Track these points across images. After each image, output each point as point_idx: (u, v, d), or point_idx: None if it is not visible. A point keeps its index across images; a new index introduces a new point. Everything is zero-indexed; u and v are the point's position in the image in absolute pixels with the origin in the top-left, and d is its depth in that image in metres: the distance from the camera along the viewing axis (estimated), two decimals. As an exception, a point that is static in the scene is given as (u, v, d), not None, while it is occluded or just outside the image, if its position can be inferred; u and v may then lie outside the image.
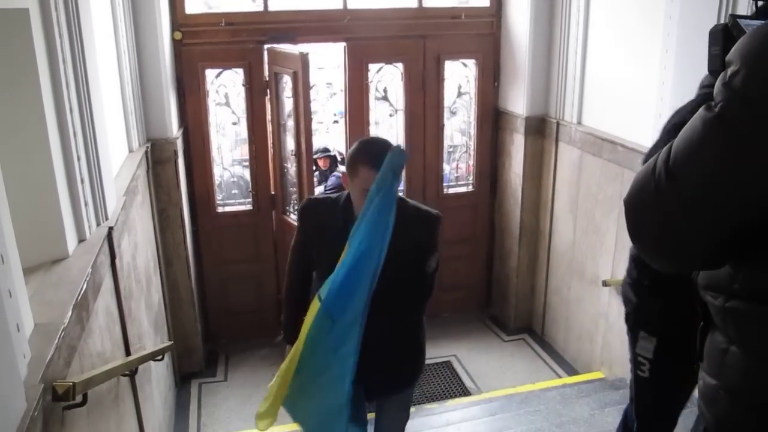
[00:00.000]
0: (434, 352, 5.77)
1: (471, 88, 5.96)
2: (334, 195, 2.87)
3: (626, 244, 4.47)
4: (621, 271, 4.58)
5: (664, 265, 1.29)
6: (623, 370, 4.71)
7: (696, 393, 1.40)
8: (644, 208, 1.21)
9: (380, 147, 2.49)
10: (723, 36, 1.22)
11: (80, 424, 2.09)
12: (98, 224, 2.84)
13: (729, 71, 1.05)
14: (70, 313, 2.05)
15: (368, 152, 2.55)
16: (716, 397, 1.26)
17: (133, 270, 3.52)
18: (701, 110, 1.09)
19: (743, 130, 1.03)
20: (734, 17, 1.21)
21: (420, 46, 5.62)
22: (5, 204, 1.77)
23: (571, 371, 5.44)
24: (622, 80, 4.57)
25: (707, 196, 1.09)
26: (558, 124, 5.29)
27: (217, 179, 5.66)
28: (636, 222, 1.25)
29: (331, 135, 9.30)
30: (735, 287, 1.18)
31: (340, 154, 7.74)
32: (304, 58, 4.64)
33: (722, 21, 2.47)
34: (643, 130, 4.25)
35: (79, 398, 1.90)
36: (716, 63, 1.21)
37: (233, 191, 5.92)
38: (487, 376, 5.02)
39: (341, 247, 2.44)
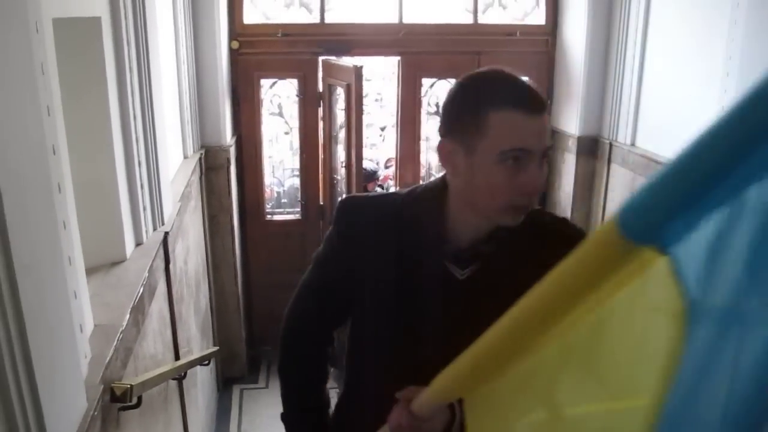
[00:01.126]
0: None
1: (523, 106, 5.92)
2: (389, 194, 1.73)
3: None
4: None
5: None
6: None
7: None
8: None
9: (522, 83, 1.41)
10: None
11: (133, 425, 2.12)
12: (155, 228, 2.89)
13: None
14: (128, 315, 2.09)
15: (511, 84, 1.41)
16: None
17: (184, 275, 3.58)
18: None
19: None
20: None
21: (474, 63, 5.59)
22: (73, 208, 1.81)
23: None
24: (679, 102, 4.48)
25: None
26: (611, 144, 5.21)
27: (267, 187, 5.73)
28: None
29: (376, 150, 9.29)
30: None
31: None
32: (357, 71, 4.68)
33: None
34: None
35: (134, 400, 1.94)
36: None
37: (283, 200, 5.98)
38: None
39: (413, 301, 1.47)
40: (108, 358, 1.82)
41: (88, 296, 1.92)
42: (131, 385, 1.82)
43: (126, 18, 2.56)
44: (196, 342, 3.98)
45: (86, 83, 2.30)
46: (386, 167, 7.16)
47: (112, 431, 1.86)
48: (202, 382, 4.15)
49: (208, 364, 3.67)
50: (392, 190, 5.30)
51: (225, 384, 5.37)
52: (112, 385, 1.79)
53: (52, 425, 1.38)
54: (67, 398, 1.53)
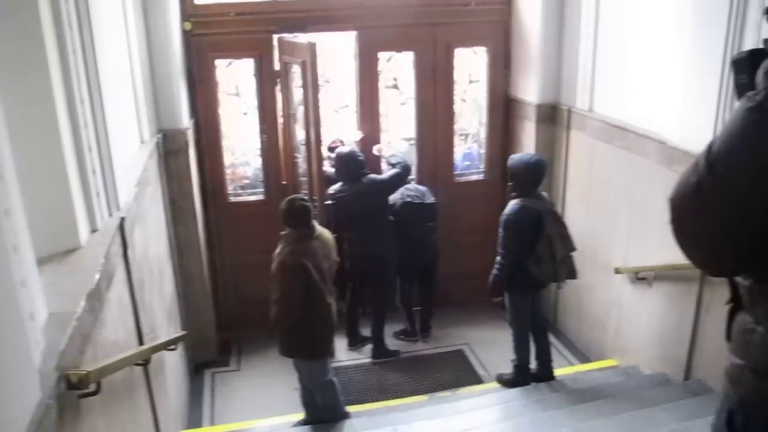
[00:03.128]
0: (446, 341, 5.79)
1: (482, 75, 5.94)
2: None
3: (638, 231, 4.46)
4: (633, 259, 4.59)
5: (706, 263, 1.27)
6: (636, 357, 4.70)
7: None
8: (686, 203, 1.20)
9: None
10: (749, 63, 1.19)
11: (95, 413, 2.10)
12: (110, 214, 2.85)
13: None
14: (83, 302, 2.06)
15: None
16: (741, 377, 1.26)
17: (145, 260, 3.54)
18: (743, 100, 1.08)
19: None
20: None
21: (431, 35, 5.59)
22: (17, 194, 1.77)
23: (584, 359, 5.43)
24: (634, 66, 4.53)
25: (744, 185, 1.08)
26: (569, 111, 5.25)
27: (228, 170, 5.68)
28: (678, 218, 1.24)
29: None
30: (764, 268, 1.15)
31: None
32: (312, 48, 4.64)
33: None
34: (654, 116, 4.22)
35: (93, 387, 1.92)
36: (744, 90, 1.18)
37: (244, 181, 5.94)
38: (499, 365, 5.00)
39: None
40: (63, 346, 1.80)
41: (39, 284, 1.89)
42: (87, 372, 1.81)
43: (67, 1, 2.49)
44: (163, 328, 3.95)
45: (27, 69, 2.24)
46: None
47: (72, 419, 1.85)
48: (171, 367, 4.12)
49: (174, 349, 3.63)
50: None
51: (196, 369, 5.35)
52: (68, 372, 1.77)
53: (3, 415, 1.36)
54: (18, 388, 1.51)
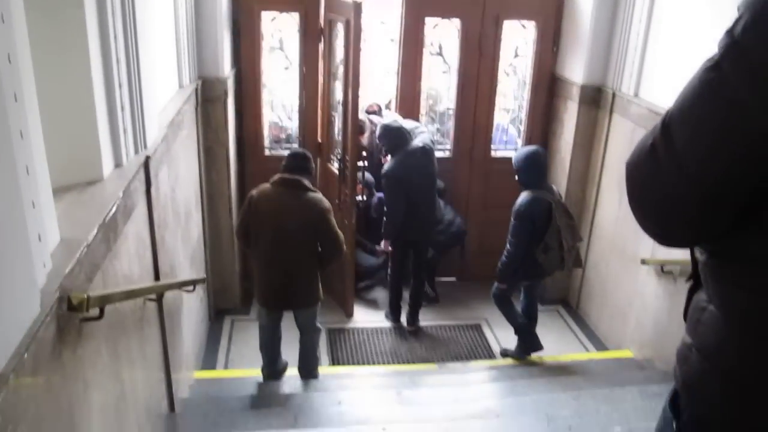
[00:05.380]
0: (465, 315, 5.81)
1: (528, 51, 5.84)
2: None
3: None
4: (661, 252, 4.51)
5: (656, 232, 1.22)
6: (652, 351, 4.65)
7: None
8: (640, 166, 1.16)
9: None
10: None
11: (97, 337, 2.18)
12: (137, 152, 2.91)
13: (735, 20, 1.00)
14: (95, 231, 2.12)
15: None
16: (688, 356, 1.23)
17: (170, 201, 3.61)
18: (704, 61, 1.04)
19: (734, 80, 0.98)
20: None
21: (479, 4, 5.51)
22: (36, 118, 1.83)
23: (601, 347, 5.40)
24: (685, 54, 4.40)
25: (694, 149, 1.04)
26: (614, 95, 5.14)
27: (266, 123, 5.72)
28: (632, 182, 1.20)
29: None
30: (719, 245, 1.14)
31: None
32: (357, 7, 4.61)
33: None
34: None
35: (95, 312, 1.99)
36: None
37: (281, 136, 5.98)
38: (515, 343, 5.01)
39: None
40: (68, 269, 1.86)
41: (52, 207, 1.95)
42: (88, 296, 1.87)
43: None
44: (184, 270, 4.04)
45: (61, -2, 2.28)
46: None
47: (72, 340, 1.92)
48: (189, 309, 4.23)
49: (191, 291, 3.72)
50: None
51: (217, 315, 5.48)
52: (70, 294, 1.84)
53: (1, 325, 1.43)
54: (17, 302, 1.57)
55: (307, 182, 3.93)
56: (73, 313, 1.88)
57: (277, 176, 3.96)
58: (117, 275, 2.45)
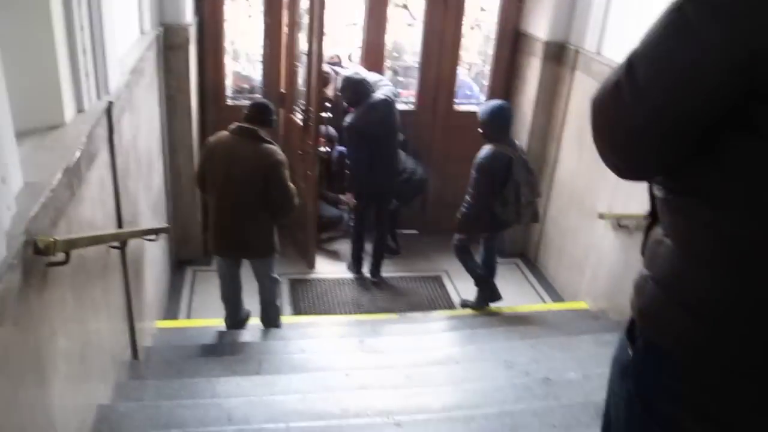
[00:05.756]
0: (426, 266, 5.90)
1: (494, 5, 5.83)
2: None
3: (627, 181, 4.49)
4: (618, 207, 4.63)
5: (618, 166, 1.30)
6: (607, 302, 4.80)
7: None
8: (605, 102, 1.23)
9: None
10: None
11: (64, 285, 2.18)
12: (99, 98, 2.86)
13: None
14: (59, 175, 2.10)
15: None
16: (644, 286, 1.32)
17: (133, 149, 3.57)
18: (668, 5, 1.10)
19: (696, 20, 1.05)
20: None
21: (444, -43, 5.47)
22: (-3, 59, 1.79)
23: (558, 299, 5.55)
24: (646, 12, 4.44)
25: (656, 86, 1.12)
26: (577, 52, 5.19)
27: (228, 73, 5.64)
28: (598, 118, 1.27)
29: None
30: (676, 181, 1.22)
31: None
32: (323, -46, 4.54)
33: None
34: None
35: (61, 256, 1.98)
36: None
37: (244, 86, 5.91)
38: (475, 295, 5.13)
39: None
40: (33, 213, 1.85)
41: (15, 150, 1.92)
42: (55, 240, 1.86)
43: None
44: (146, 219, 4.01)
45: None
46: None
47: (39, 285, 1.92)
48: (151, 259, 4.21)
49: (154, 240, 3.71)
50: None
51: (179, 265, 5.47)
52: (36, 238, 1.83)
53: (-34, 266, 1.42)
54: (-16, 244, 1.56)
55: (263, 133, 3.90)
56: (40, 257, 1.87)
57: (234, 124, 3.93)
58: (81, 221, 2.43)
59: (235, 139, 3.88)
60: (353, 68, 5.56)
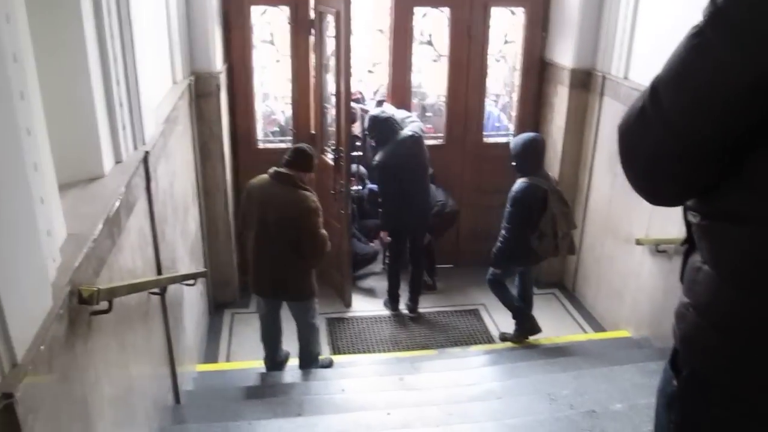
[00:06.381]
0: (462, 300, 5.86)
1: (518, 36, 5.87)
2: None
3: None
4: (656, 231, 4.57)
5: (646, 189, 1.30)
6: (650, 330, 4.71)
7: None
8: (631, 127, 1.24)
9: None
10: None
11: (106, 330, 2.21)
12: (135, 148, 2.94)
13: None
14: (101, 226, 2.15)
15: None
16: (685, 314, 1.30)
17: (169, 197, 3.64)
18: (690, 29, 1.11)
19: (717, 43, 1.06)
20: None
21: (467, -8, 5.54)
22: (40, 115, 1.86)
23: (598, 328, 5.46)
24: (674, 35, 4.42)
25: (679, 108, 1.13)
26: (604, 77, 5.18)
27: (258, 116, 5.74)
28: (625, 144, 1.28)
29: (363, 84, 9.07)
30: (709, 206, 1.22)
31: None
32: (347, -3, 4.63)
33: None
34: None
35: (104, 305, 2.02)
36: None
37: (274, 128, 6.01)
38: (512, 327, 5.07)
39: None
40: (77, 264, 1.90)
41: (59, 203, 1.98)
42: (98, 288, 1.90)
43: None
44: (184, 264, 4.07)
45: (57, -3, 2.31)
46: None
47: (84, 333, 1.96)
48: (190, 303, 4.26)
49: (193, 284, 3.76)
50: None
51: (217, 308, 5.51)
52: (80, 287, 1.87)
53: (14, 318, 1.46)
54: (31, 296, 1.60)
55: (298, 178, 3.95)
56: (84, 306, 1.91)
57: (272, 169, 4.00)
58: (122, 269, 2.48)
59: (271, 183, 3.95)
60: (388, 108, 5.58)
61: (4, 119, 1.52)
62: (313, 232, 3.91)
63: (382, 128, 5.06)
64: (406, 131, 5.06)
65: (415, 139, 5.08)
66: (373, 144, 5.31)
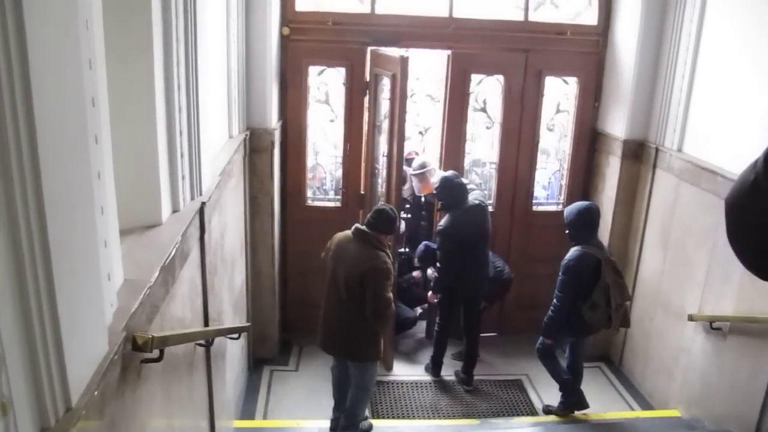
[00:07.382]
0: (505, 369, 5.71)
1: (570, 106, 5.87)
2: None
3: (717, 278, 4.30)
4: (709, 308, 4.42)
5: (760, 266, 1.24)
6: (701, 410, 4.51)
7: None
8: (741, 200, 1.18)
9: None
10: None
11: (154, 380, 2.20)
12: (192, 198, 2.98)
13: None
14: (157, 273, 2.16)
15: None
16: None
17: (220, 248, 3.66)
18: None
19: None
20: None
21: (522, 60, 5.58)
22: (110, 160, 1.89)
23: (646, 406, 5.25)
24: (729, 110, 4.40)
25: None
26: (657, 149, 5.13)
27: (309, 173, 5.81)
28: (733, 220, 1.23)
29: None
30: None
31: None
32: (404, 61, 4.71)
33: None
34: (745, 159, 4.07)
35: (155, 353, 2.01)
36: None
37: (324, 187, 6.06)
38: (557, 400, 4.90)
39: None
40: (133, 310, 1.90)
41: (119, 248, 2.00)
42: (152, 336, 1.89)
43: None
44: (228, 317, 4.07)
45: (133, 47, 2.38)
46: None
47: (133, 380, 1.94)
48: (231, 357, 4.23)
49: (237, 338, 3.75)
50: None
51: (256, 363, 5.46)
52: (135, 334, 1.86)
53: (73, 360, 1.45)
54: (89, 339, 1.60)
55: (376, 238, 3.97)
56: (137, 353, 1.90)
57: (355, 225, 4.09)
58: (173, 318, 2.48)
59: (348, 239, 4.03)
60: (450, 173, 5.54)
61: (80, 161, 1.56)
62: (377, 292, 3.88)
63: (454, 192, 5.03)
64: (472, 199, 5.05)
65: (481, 208, 5.08)
66: (439, 207, 5.32)
